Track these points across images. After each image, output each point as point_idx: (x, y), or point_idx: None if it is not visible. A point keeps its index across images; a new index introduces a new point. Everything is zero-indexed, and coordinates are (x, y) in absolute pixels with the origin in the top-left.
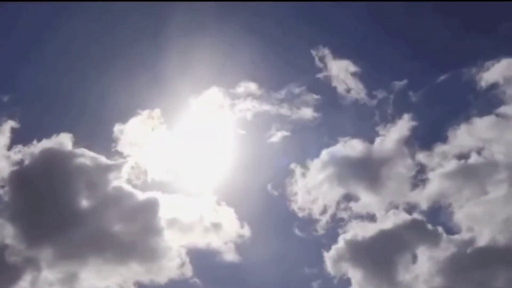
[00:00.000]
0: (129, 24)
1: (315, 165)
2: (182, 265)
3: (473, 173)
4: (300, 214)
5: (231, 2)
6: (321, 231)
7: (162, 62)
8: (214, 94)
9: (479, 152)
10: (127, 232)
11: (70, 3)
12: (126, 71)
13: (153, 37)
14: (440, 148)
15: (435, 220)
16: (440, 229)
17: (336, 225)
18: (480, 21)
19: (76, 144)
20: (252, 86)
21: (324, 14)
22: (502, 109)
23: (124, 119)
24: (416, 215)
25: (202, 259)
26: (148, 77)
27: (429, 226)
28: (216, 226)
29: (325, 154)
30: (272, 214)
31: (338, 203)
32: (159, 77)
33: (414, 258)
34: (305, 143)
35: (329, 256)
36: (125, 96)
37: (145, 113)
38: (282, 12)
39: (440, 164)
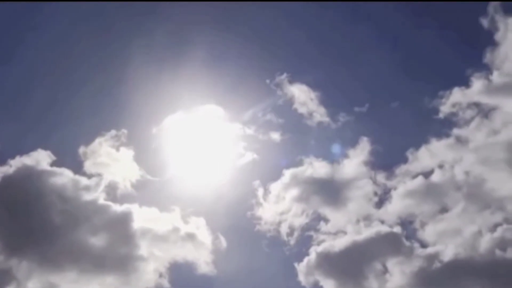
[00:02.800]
0: (97, 46)
1: (280, 185)
2: (160, 276)
3: (433, 191)
4: (268, 234)
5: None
6: (288, 251)
7: (130, 85)
8: (181, 115)
9: (438, 171)
10: (104, 245)
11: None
12: (94, 93)
13: (120, 61)
14: (402, 168)
15: (400, 235)
16: (407, 243)
17: (305, 241)
18: (436, 53)
19: (52, 161)
20: (218, 109)
21: (287, 40)
22: (456, 131)
23: (91, 138)
24: (381, 231)
25: (179, 271)
26: (114, 99)
27: (395, 241)
28: (192, 239)
29: (290, 175)
30: (243, 230)
31: (306, 224)
32: (126, 99)
33: (384, 270)
34: (271, 164)
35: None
36: (92, 117)
37: (112, 133)
38: (241, 39)
39: (403, 182)
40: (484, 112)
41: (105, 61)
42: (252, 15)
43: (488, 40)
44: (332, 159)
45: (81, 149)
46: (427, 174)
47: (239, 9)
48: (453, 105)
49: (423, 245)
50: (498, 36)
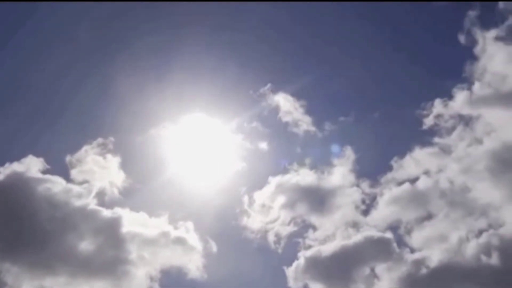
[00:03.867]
0: (85, 55)
1: (267, 193)
2: (151, 280)
3: (418, 198)
4: (257, 240)
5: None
6: (278, 256)
7: (118, 94)
8: (167, 124)
9: (422, 180)
10: (95, 250)
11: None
12: (82, 102)
13: (109, 69)
14: (387, 176)
15: (387, 242)
16: (394, 249)
17: (294, 247)
18: (420, 66)
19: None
20: (205, 118)
21: (271, 51)
22: (440, 141)
23: (79, 146)
24: (368, 238)
25: (170, 276)
26: (102, 107)
27: (383, 247)
28: (182, 245)
29: (276, 182)
30: (233, 236)
31: (294, 231)
32: (114, 107)
33: (372, 274)
34: (257, 172)
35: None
36: (80, 125)
37: (99, 141)
38: (226, 49)
39: (388, 189)
40: (466, 122)
41: (94, 69)
42: (236, 25)
43: (468, 53)
44: (318, 167)
45: (70, 156)
46: (411, 182)
47: (223, 20)
48: (436, 116)
49: (410, 251)
50: (477, 50)
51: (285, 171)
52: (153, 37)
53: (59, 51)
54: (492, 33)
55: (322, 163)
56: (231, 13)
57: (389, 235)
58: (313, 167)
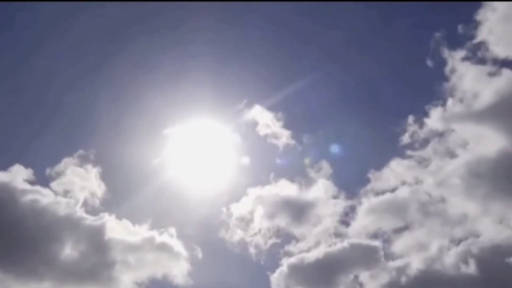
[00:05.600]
0: (70, 66)
1: (248, 204)
2: (138, 286)
3: (396, 209)
4: (240, 251)
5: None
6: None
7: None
8: (149, 135)
9: (398, 191)
10: (80, 258)
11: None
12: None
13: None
14: (365, 188)
15: (369, 251)
16: (376, 257)
17: (275, 258)
18: (395, 85)
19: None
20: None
21: (251, 68)
22: (413, 153)
23: (61, 157)
24: (349, 247)
25: (156, 283)
26: (84, 119)
27: (365, 256)
28: (167, 252)
29: (256, 194)
30: (216, 244)
31: (276, 243)
32: (95, 119)
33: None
34: (236, 184)
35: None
36: (62, 137)
37: (81, 152)
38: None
39: (367, 199)
40: (440, 136)
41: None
42: (213, 38)
43: (441, 73)
44: (298, 179)
45: (53, 168)
46: (388, 194)
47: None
48: (412, 132)
49: (392, 259)
50: (447, 70)
51: (265, 183)
52: (134, 47)
53: (46, 62)
54: (460, 53)
55: (301, 175)
56: (209, 25)
57: (374, 243)
58: (292, 179)
